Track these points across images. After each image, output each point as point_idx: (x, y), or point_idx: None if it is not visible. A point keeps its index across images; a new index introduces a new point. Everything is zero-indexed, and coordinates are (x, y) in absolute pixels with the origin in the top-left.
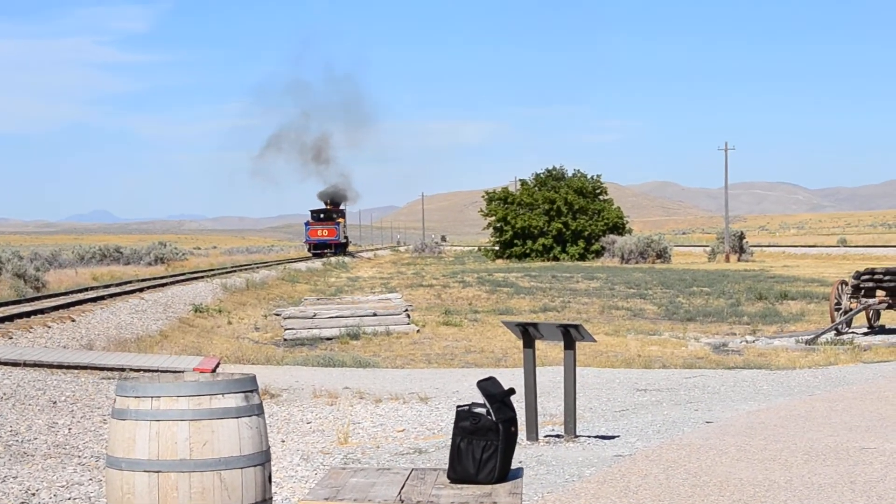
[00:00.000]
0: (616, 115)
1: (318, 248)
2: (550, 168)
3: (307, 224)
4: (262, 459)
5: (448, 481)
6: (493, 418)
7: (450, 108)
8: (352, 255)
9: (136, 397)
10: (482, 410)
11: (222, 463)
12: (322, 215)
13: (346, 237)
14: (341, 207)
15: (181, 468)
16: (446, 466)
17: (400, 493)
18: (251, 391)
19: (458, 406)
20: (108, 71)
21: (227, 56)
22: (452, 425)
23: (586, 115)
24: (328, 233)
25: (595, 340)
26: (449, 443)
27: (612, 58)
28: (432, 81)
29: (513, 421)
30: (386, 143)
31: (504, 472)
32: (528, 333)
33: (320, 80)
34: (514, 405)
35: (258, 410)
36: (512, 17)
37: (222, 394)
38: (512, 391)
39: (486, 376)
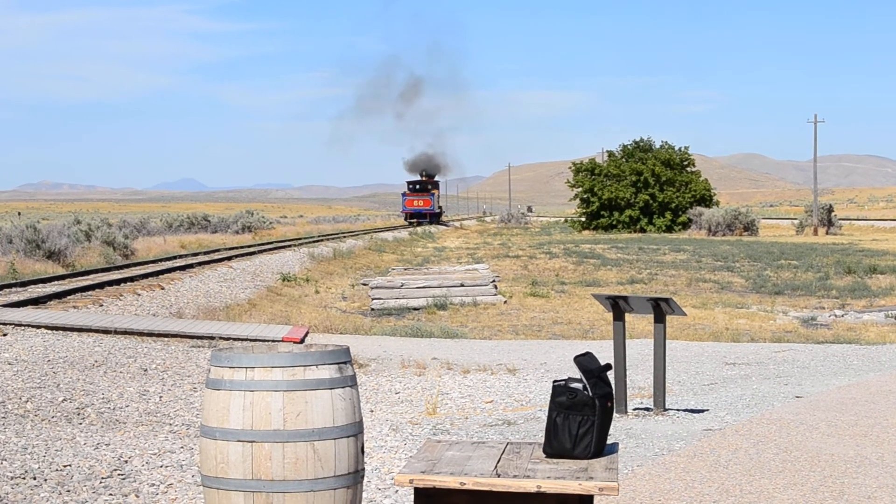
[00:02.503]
0: (704, 87)
1: (414, 218)
2: (638, 139)
3: (404, 195)
4: (355, 431)
5: (544, 455)
6: (590, 393)
7: (539, 79)
8: (445, 224)
9: (230, 367)
10: (579, 385)
11: (315, 434)
12: (418, 186)
13: (439, 207)
14: (435, 179)
15: (275, 438)
16: (540, 440)
17: (496, 466)
18: (345, 363)
19: (555, 381)
20: (197, 40)
21: (315, 24)
22: (543, 397)
23: (674, 86)
24: (423, 203)
25: (685, 314)
26: (538, 414)
27: (702, 28)
28: (520, 51)
29: (609, 396)
30: (475, 112)
31: (600, 447)
32: (618, 307)
33: (411, 46)
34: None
35: (351, 382)
36: None
37: (316, 365)
38: (609, 366)
39: (583, 351)
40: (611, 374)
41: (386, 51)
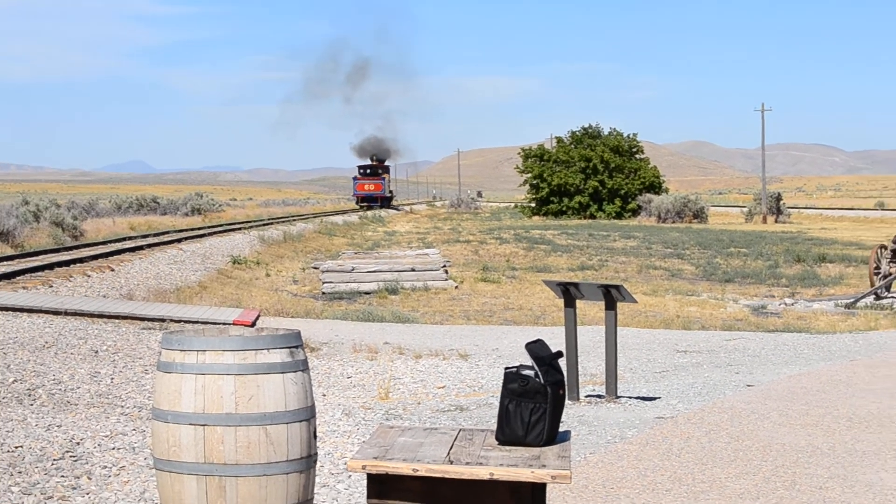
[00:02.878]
0: (653, 73)
1: (365, 201)
2: (586, 126)
3: (355, 179)
4: (307, 415)
5: (496, 443)
6: (542, 381)
7: (488, 65)
8: (395, 208)
9: (181, 350)
10: (530, 373)
11: (267, 418)
12: (369, 171)
13: (390, 191)
14: (386, 163)
15: (227, 422)
16: (492, 426)
17: (449, 453)
18: (296, 347)
19: (507, 368)
20: (144, 23)
21: (261, 8)
22: (495, 383)
23: (623, 73)
24: (374, 187)
25: (636, 301)
26: (490, 400)
27: (652, 15)
28: (469, 38)
29: (561, 383)
30: (424, 96)
31: (552, 435)
32: (569, 293)
33: (359, 29)
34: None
35: (303, 366)
36: None
37: (268, 349)
38: (560, 354)
39: (535, 338)
40: (562, 362)
41: (333, 34)
